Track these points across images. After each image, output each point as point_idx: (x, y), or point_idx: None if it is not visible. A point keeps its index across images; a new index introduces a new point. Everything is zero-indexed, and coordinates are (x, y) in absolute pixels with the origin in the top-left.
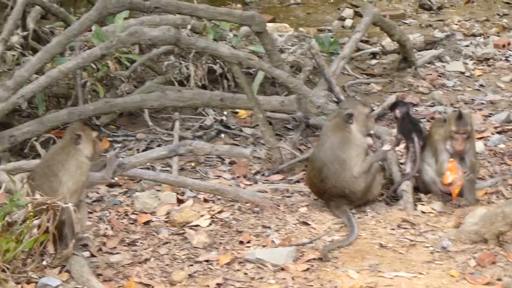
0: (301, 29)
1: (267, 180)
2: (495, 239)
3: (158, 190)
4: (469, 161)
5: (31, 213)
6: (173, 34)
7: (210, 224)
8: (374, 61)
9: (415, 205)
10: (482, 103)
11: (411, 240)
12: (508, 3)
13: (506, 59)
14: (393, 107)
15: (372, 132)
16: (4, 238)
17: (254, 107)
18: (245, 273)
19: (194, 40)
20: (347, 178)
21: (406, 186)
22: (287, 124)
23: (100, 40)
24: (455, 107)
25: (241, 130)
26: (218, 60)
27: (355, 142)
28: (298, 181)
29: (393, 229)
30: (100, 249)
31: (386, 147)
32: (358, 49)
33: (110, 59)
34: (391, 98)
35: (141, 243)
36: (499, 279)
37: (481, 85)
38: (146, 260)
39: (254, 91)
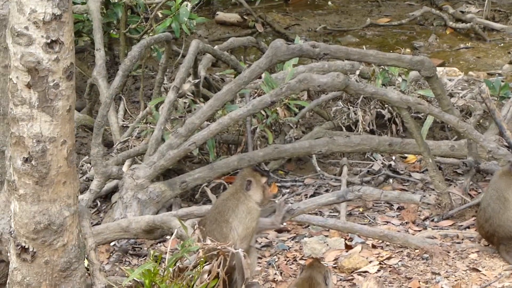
0: (471, 73)
1: (436, 226)
2: None
3: (326, 236)
4: None
5: (202, 259)
6: (342, 80)
7: (378, 270)
8: None
9: None
10: None
11: None
12: None
13: None
14: None
15: None
16: (176, 283)
17: (423, 152)
18: None
19: (363, 85)
20: (511, 217)
21: None
22: (457, 169)
23: (270, 87)
24: None
25: (410, 175)
26: (386, 105)
27: None
28: (468, 227)
29: None
30: None
31: None
32: None
33: (279, 106)
34: None
35: None
36: None
37: None
38: None
39: (423, 135)
